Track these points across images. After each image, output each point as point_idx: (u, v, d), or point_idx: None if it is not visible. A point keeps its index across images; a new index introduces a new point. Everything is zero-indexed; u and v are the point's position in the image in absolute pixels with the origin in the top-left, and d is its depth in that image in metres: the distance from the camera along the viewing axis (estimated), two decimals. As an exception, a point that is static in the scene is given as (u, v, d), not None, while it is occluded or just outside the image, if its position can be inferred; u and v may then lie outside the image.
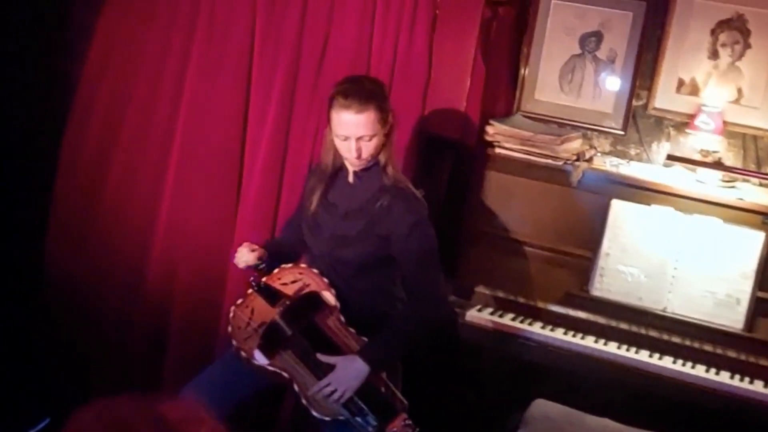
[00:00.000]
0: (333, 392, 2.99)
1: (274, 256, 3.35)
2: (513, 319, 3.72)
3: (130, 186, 4.13)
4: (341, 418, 3.02)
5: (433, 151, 3.95)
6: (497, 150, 3.90)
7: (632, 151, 4.09)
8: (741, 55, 3.89)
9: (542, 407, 3.26)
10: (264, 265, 3.29)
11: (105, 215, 4.16)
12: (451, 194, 4.01)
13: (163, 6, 4.03)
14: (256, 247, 3.29)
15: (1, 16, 4.36)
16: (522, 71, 4.19)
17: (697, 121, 3.84)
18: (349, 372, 3.00)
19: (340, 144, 3.10)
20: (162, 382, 4.04)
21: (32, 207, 4.34)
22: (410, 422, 2.93)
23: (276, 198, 3.92)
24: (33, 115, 4.42)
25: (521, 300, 3.79)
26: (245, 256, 3.25)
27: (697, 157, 3.83)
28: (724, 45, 3.91)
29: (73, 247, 4.22)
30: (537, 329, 3.67)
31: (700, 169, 3.81)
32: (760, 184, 3.87)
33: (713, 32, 3.91)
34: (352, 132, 3.04)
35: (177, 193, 4.03)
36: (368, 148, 3.08)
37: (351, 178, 3.22)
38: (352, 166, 3.18)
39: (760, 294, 3.56)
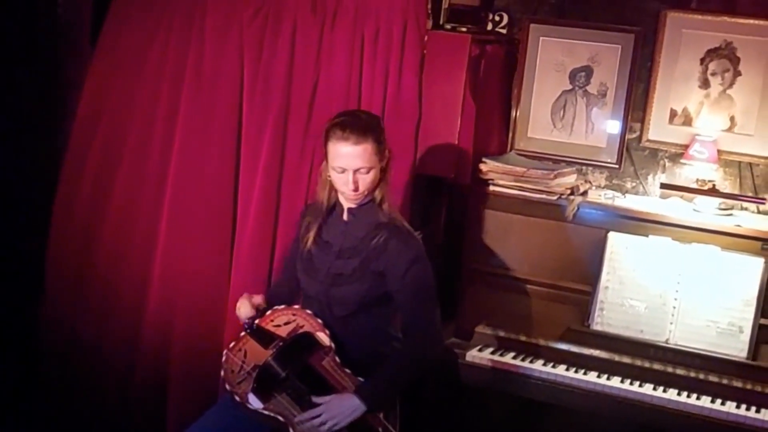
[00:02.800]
0: (323, 423, 2.96)
1: (273, 303, 3.34)
2: (514, 358, 3.70)
3: (125, 240, 4.15)
4: (337, 459, 2.99)
5: (429, 191, 3.97)
6: (492, 188, 3.92)
7: (628, 185, 4.11)
8: (732, 83, 3.92)
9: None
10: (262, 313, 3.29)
11: (100, 269, 4.19)
12: (448, 234, 4.01)
13: (151, 59, 4.09)
14: (254, 296, 3.29)
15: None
16: (514, 109, 4.21)
17: (691, 151, 3.86)
18: (342, 407, 3.00)
19: (336, 177, 3.12)
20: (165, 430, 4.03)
21: (27, 264, 4.37)
22: (407, 460, 2.91)
23: (271, 243, 3.93)
24: (25, 172, 4.47)
25: (522, 338, 3.77)
26: (246, 309, 3.25)
27: (694, 187, 3.83)
28: (714, 73, 3.94)
29: (70, 304, 4.24)
30: (539, 366, 3.64)
31: (697, 198, 3.82)
32: (758, 211, 3.86)
33: (703, 61, 3.95)
34: (350, 164, 3.06)
35: (171, 243, 4.05)
36: (365, 181, 3.10)
37: (345, 216, 3.24)
38: (347, 201, 3.19)
39: (763, 321, 3.55)
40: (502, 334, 3.79)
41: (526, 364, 3.65)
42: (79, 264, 4.22)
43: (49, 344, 4.26)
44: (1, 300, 4.38)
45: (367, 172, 3.09)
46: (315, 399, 3.04)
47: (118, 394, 4.16)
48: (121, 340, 4.13)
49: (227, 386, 3.16)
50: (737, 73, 3.91)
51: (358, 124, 3.08)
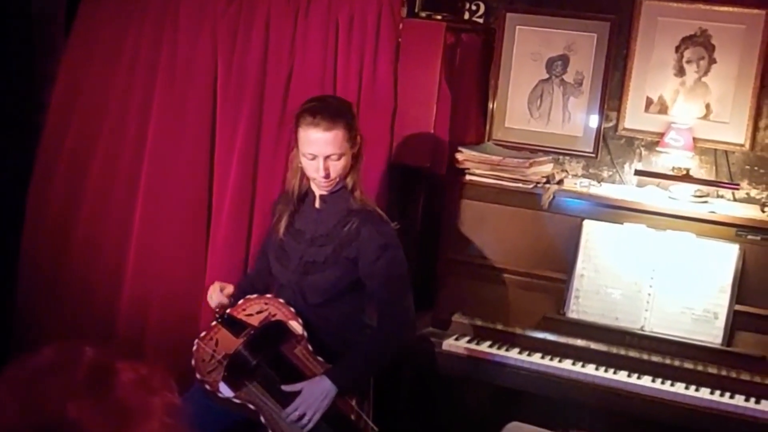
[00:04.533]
0: (302, 416, 2.96)
1: (248, 293, 3.33)
2: (490, 346, 3.70)
3: (99, 232, 4.15)
4: (310, 448, 2.99)
5: (406, 182, 3.96)
6: (468, 177, 3.91)
7: (605, 173, 4.11)
8: (707, 71, 3.92)
9: (516, 430, 3.22)
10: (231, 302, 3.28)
11: (74, 262, 4.18)
12: (426, 225, 4.01)
13: (125, 50, 4.09)
14: (226, 285, 3.28)
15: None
16: (491, 99, 4.20)
17: (667, 139, 3.86)
18: (315, 393, 3.00)
19: (307, 164, 3.11)
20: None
21: (0, 258, 4.35)
22: (379, 447, 2.90)
23: (246, 234, 3.93)
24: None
25: (499, 327, 3.77)
26: (216, 297, 3.23)
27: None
28: (689, 61, 3.94)
29: (43, 297, 4.23)
30: (515, 354, 3.65)
31: (673, 186, 3.81)
32: (734, 199, 3.87)
33: (678, 49, 3.95)
34: (321, 150, 3.05)
35: (145, 235, 4.05)
36: (336, 167, 3.09)
37: (318, 203, 3.23)
38: (319, 188, 3.19)
39: (738, 307, 3.55)
40: (478, 323, 3.79)
41: (502, 352, 3.66)
42: (53, 256, 4.21)
43: (23, 338, 4.24)
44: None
45: (338, 159, 3.08)
46: (285, 387, 3.03)
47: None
48: (95, 332, 4.11)
49: (198, 375, 3.14)
50: (712, 61, 3.91)
51: (329, 109, 3.07)
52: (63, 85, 4.22)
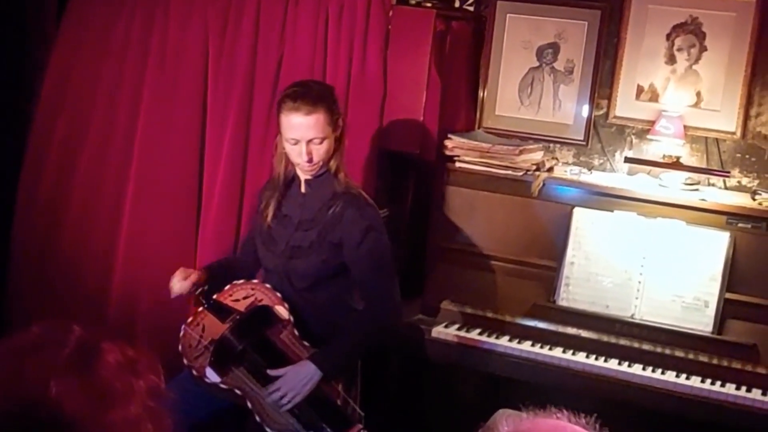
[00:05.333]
0: (283, 397, 2.95)
1: (223, 277, 3.31)
2: (480, 334, 3.68)
3: (90, 218, 4.13)
4: (295, 433, 2.97)
5: (396, 169, 3.95)
6: (457, 164, 3.89)
7: (595, 161, 4.10)
8: (698, 59, 3.91)
9: (506, 417, 3.20)
10: (202, 289, 3.23)
11: (65, 250, 4.17)
12: (415, 212, 4.00)
13: (116, 38, 4.07)
14: (190, 272, 3.23)
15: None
16: (481, 86, 4.19)
17: (657, 127, 3.85)
18: (299, 376, 2.99)
19: (290, 149, 3.10)
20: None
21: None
22: (365, 432, 2.89)
23: (236, 221, 3.92)
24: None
25: (488, 314, 3.75)
26: (177, 285, 3.20)
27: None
28: (680, 49, 3.93)
29: (34, 285, 4.21)
30: (504, 342, 3.63)
31: (663, 174, 3.80)
32: (725, 187, 3.86)
33: (669, 37, 3.94)
34: (302, 134, 3.05)
35: (136, 223, 4.03)
36: (319, 151, 3.08)
37: (303, 188, 3.22)
38: (303, 173, 3.17)
39: (729, 295, 3.53)
40: (468, 310, 3.78)
41: (491, 339, 3.65)
42: (44, 244, 4.20)
43: (13, 324, 4.22)
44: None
45: (321, 143, 3.07)
46: (271, 372, 3.02)
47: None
48: (85, 319, 4.07)
49: (185, 361, 3.13)
50: (703, 49, 3.89)
51: (309, 94, 3.07)
52: (54, 74, 4.20)
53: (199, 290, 3.21)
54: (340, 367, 3.06)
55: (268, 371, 3.02)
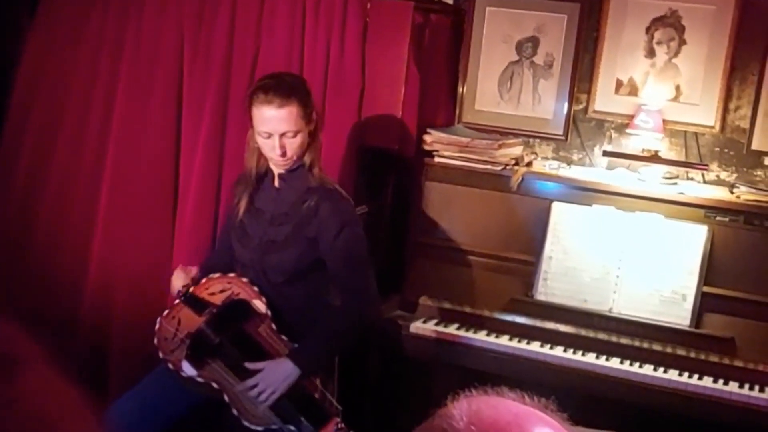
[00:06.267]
0: (261, 393, 3.00)
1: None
2: (458, 329, 3.75)
3: (64, 212, 4.17)
4: (274, 427, 3.04)
5: (376, 164, 4.00)
6: (436, 159, 3.95)
7: (575, 156, 4.17)
8: (677, 52, 3.98)
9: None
10: (187, 286, 3.31)
11: (38, 243, 4.19)
12: (396, 208, 4.05)
13: (90, 29, 4.10)
14: (190, 269, 3.31)
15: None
16: (460, 81, 4.25)
17: (636, 121, 3.91)
18: (277, 373, 3.03)
19: (263, 143, 3.14)
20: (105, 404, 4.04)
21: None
22: (343, 426, 2.95)
23: (213, 216, 3.96)
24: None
25: (467, 309, 3.82)
26: (180, 282, 3.28)
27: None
28: (659, 43, 4.00)
29: (8, 273, 4.23)
30: (482, 337, 3.70)
31: (642, 168, 3.87)
32: (704, 181, 3.93)
33: (648, 30, 4.01)
34: (275, 128, 3.08)
35: (111, 217, 4.07)
36: (293, 145, 3.12)
37: (276, 182, 3.27)
38: (276, 167, 3.22)
39: (706, 289, 3.60)
40: (446, 305, 3.84)
41: (470, 334, 3.71)
42: (18, 238, 4.22)
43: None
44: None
45: (294, 136, 3.10)
46: (248, 365, 3.07)
47: (58, 362, 4.14)
48: (60, 314, 4.14)
49: (160, 354, 3.18)
50: (682, 42, 3.97)
51: (282, 86, 3.09)
52: (28, 67, 4.23)
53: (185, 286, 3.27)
54: (318, 364, 3.11)
55: (246, 364, 3.07)
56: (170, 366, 3.14)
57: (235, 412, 3.06)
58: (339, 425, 2.96)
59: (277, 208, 3.23)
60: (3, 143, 4.26)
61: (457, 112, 4.29)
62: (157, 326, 3.22)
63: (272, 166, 3.24)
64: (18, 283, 4.20)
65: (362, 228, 3.23)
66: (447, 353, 3.71)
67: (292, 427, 3.02)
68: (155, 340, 3.20)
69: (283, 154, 3.11)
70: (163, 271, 3.97)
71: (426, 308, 3.86)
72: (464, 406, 1.21)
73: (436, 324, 3.78)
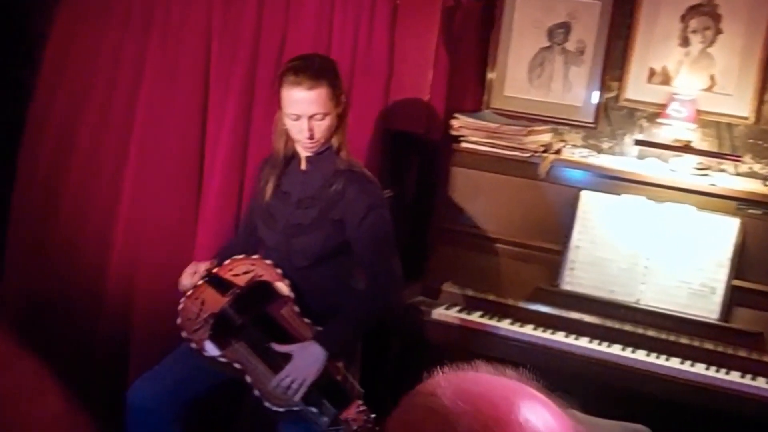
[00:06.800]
0: (292, 383, 2.99)
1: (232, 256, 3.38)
2: (482, 317, 3.73)
3: (89, 192, 4.18)
4: (296, 408, 3.03)
5: (400, 148, 3.99)
6: (463, 144, 3.93)
7: (605, 145, 4.14)
8: (712, 42, 3.94)
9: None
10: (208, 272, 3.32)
11: (64, 221, 4.21)
12: (420, 193, 4.05)
13: (117, 10, 4.10)
14: (201, 267, 3.31)
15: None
16: (490, 66, 4.23)
17: (669, 110, 3.88)
18: (306, 359, 3.02)
19: (291, 125, 3.14)
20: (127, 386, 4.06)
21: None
22: (365, 408, 2.95)
23: (237, 197, 3.96)
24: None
25: (490, 297, 3.80)
26: (185, 281, 3.28)
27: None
28: (694, 31, 3.96)
29: (33, 254, 4.26)
30: (506, 325, 3.69)
31: (673, 158, 3.84)
32: (736, 173, 3.90)
33: (683, 18, 3.97)
34: (304, 110, 3.07)
35: (136, 197, 4.07)
36: (320, 127, 3.11)
37: (304, 165, 3.26)
38: (304, 150, 3.21)
39: (736, 282, 3.57)
40: (470, 293, 3.82)
41: (493, 322, 3.70)
42: (44, 214, 4.23)
43: (12, 297, 4.27)
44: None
45: (323, 119, 3.10)
46: (276, 347, 3.07)
47: (81, 345, 4.17)
48: (84, 292, 4.16)
49: (183, 333, 3.19)
50: (718, 31, 3.93)
51: (312, 68, 3.09)
52: (55, 44, 4.23)
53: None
54: (344, 346, 3.12)
55: (273, 345, 3.06)
56: (193, 346, 3.15)
57: (256, 392, 3.06)
58: (360, 408, 2.95)
59: (304, 191, 3.23)
60: (29, 123, 4.27)
61: (486, 97, 4.27)
62: (180, 306, 3.23)
63: (299, 149, 3.24)
64: (43, 266, 4.22)
65: (389, 212, 3.22)
66: (469, 341, 3.70)
67: (314, 409, 3.01)
68: (178, 320, 3.21)
69: (311, 137, 3.10)
70: (187, 253, 3.98)
71: (449, 295, 3.85)
72: (445, 383, 1.21)
73: (459, 311, 3.77)
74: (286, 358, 3.06)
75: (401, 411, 1.20)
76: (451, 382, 1.21)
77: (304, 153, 3.24)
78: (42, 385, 1.19)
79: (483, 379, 1.25)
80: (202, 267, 3.32)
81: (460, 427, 1.13)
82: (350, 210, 3.14)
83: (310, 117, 3.08)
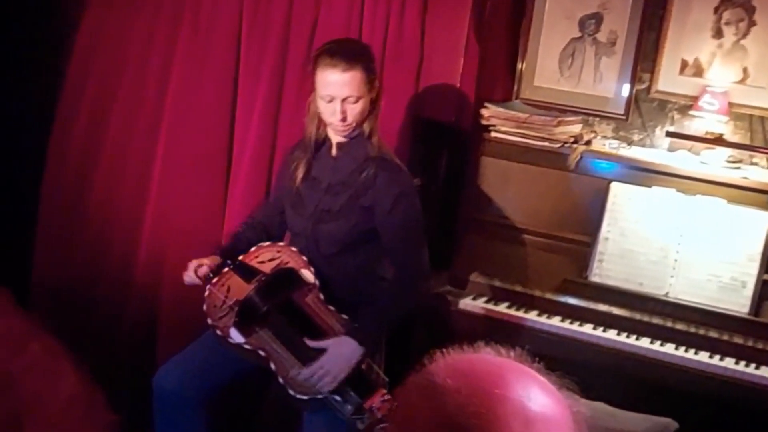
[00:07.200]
0: (324, 376, 2.99)
1: (252, 241, 3.38)
2: (508, 308, 3.72)
3: (118, 179, 4.21)
4: (319, 396, 3.03)
5: (429, 138, 3.98)
6: (493, 134, 3.92)
7: (635, 137, 4.10)
8: (746, 33, 3.90)
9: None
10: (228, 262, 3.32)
11: (93, 209, 4.25)
12: (448, 182, 4.04)
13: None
14: (204, 262, 3.30)
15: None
16: (520, 56, 4.21)
17: (701, 102, 3.84)
18: (342, 354, 3.02)
19: (324, 108, 3.14)
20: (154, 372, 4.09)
21: (20, 203, 4.42)
22: (389, 397, 2.94)
23: (266, 182, 3.97)
24: (23, 111, 4.52)
25: (518, 288, 3.79)
26: (189, 277, 3.29)
27: (703, 140, 3.85)
28: (728, 23, 3.92)
29: (62, 242, 4.30)
30: (533, 317, 3.67)
31: (705, 151, 3.81)
32: (768, 166, 3.86)
33: (717, 10, 3.93)
34: (338, 92, 3.08)
35: (164, 185, 4.10)
36: (353, 111, 3.11)
37: (334, 151, 3.26)
38: (336, 133, 3.21)
39: (767, 276, 3.53)
40: (497, 283, 3.81)
41: (520, 314, 3.68)
42: (73, 201, 4.27)
43: (42, 282, 4.31)
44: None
45: (356, 102, 3.10)
46: (310, 343, 3.06)
47: (109, 332, 4.20)
48: (113, 280, 4.19)
49: (209, 320, 3.20)
50: (752, 23, 3.88)
51: (347, 50, 3.10)
52: (87, 30, 4.26)
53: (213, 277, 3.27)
54: (378, 341, 3.13)
55: (308, 342, 3.05)
56: (218, 332, 3.15)
57: (280, 380, 3.07)
58: (385, 397, 2.95)
59: (334, 177, 3.23)
60: (61, 105, 4.30)
61: (516, 87, 4.24)
62: (206, 293, 3.24)
63: (330, 134, 3.24)
64: (72, 254, 4.25)
65: (419, 202, 3.21)
66: (496, 332, 3.67)
67: (337, 397, 3.01)
68: (204, 307, 3.22)
69: (344, 119, 3.10)
70: (215, 235, 4.00)
71: (476, 285, 3.84)
72: (441, 363, 1.27)
73: (486, 302, 3.76)
74: (315, 348, 3.06)
75: (400, 390, 1.27)
76: (447, 362, 1.27)
77: (335, 138, 3.23)
78: (57, 366, 1.20)
79: (476, 359, 1.29)
80: (204, 267, 3.30)
81: (448, 403, 1.18)
82: (380, 198, 3.14)
83: (344, 100, 3.08)
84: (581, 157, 3.80)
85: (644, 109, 4.09)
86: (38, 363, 1.19)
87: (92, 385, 1.20)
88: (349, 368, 3.01)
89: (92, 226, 4.26)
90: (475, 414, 1.16)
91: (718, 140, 3.77)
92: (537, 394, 1.21)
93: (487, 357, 1.32)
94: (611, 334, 3.58)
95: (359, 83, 3.07)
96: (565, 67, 4.17)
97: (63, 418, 1.13)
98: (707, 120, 3.86)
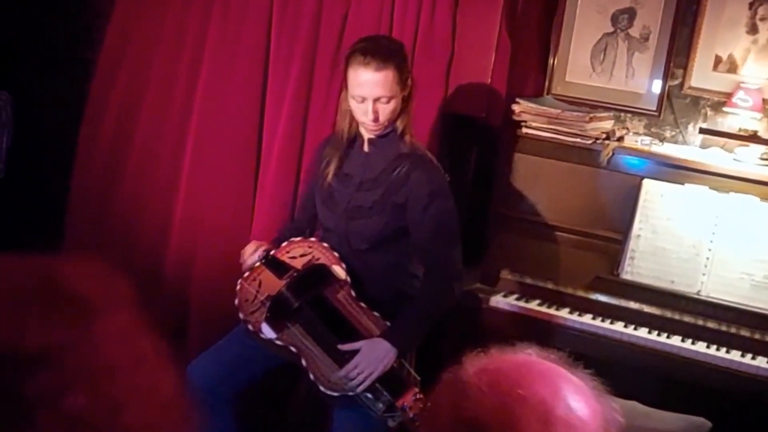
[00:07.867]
0: (358, 375, 2.99)
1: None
2: (539, 305, 3.72)
3: (148, 174, 4.23)
4: (350, 393, 3.04)
5: (459, 132, 3.98)
6: (524, 130, 3.91)
7: (667, 133, 4.09)
8: (781, 29, 3.88)
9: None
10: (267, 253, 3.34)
11: (123, 203, 4.27)
12: (478, 178, 4.04)
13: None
14: (262, 244, 3.33)
15: (21, 3, 4.52)
16: (552, 51, 4.20)
17: (735, 99, 3.83)
18: (376, 355, 3.01)
19: (356, 107, 3.12)
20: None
21: (50, 199, 4.46)
22: (421, 396, 2.94)
23: (294, 179, 3.98)
24: (52, 103, 4.56)
25: (549, 286, 3.78)
26: (251, 258, 3.30)
27: (736, 137, 3.83)
28: (763, 19, 3.90)
29: (92, 237, 4.31)
30: (564, 314, 3.66)
31: (738, 149, 3.80)
32: (803, 164, 3.84)
33: (752, 5, 3.90)
34: (370, 92, 3.06)
35: (194, 181, 4.12)
36: (386, 110, 3.10)
37: (366, 147, 3.25)
38: (368, 132, 3.21)
39: (800, 276, 3.52)
40: (528, 280, 3.81)
41: (551, 311, 3.68)
42: (103, 193, 4.30)
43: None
44: (21, 238, 4.47)
45: (388, 102, 3.08)
46: (342, 347, 3.05)
47: (140, 314, 4.23)
48: (142, 272, 4.20)
49: (241, 315, 3.22)
50: (787, 19, 3.88)
51: (380, 49, 3.07)
52: (117, 23, 4.29)
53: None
54: (413, 343, 3.13)
55: (340, 346, 3.05)
56: (250, 327, 3.17)
57: (311, 377, 3.08)
58: (417, 395, 2.96)
59: (366, 173, 3.22)
60: (91, 99, 4.33)
61: (547, 83, 4.23)
62: (238, 287, 3.25)
63: (362, 131, 3.23)
64: (102, 246, 4.28)
65: (453, 200, 3.21)
66: (527, 329, 3.68)
67: (369, 395, 3.02)
68: (236, 301, 3.24)
69: (376, 119, 3.08)
70: (244, 229, 4.03)
71: (507, 282, 3.84)
72: (475, 361, 1.31)
73: (517, 299, 3.76)
74: (340, 343, 3.08)
75: (432, 388, 1.32)
76: (481, 361, 1.30)
77: (367, 135, 3.23)
78: (161, 363, 1.21)
79: (509, 359, 1.32)
80: (262, 249, 3.33)
81: (470, 399, 1.21)
82: (413, 195, 3.13)
83: (376, 100, 3.06)
84: (613, 154, 3.79)
85: (677, 105, 4.08)
86: (146, 360, 1.21)
87: (189, 394, 1.22)
88: (383, 368, 3.00)
89: (121, 221, 4.28)
90: (494, 412, 1.18)
91: (752, 137, 3.75)
92: (565, 397, 1.22)
93: (521, 358, 1.33)
94: (642, 332, 3.57)
95: (392, 83, 3.05)
96: (597, 63, 4.16)
97: (161, 419, 1.14)
98: (741, 117, 3.85)
